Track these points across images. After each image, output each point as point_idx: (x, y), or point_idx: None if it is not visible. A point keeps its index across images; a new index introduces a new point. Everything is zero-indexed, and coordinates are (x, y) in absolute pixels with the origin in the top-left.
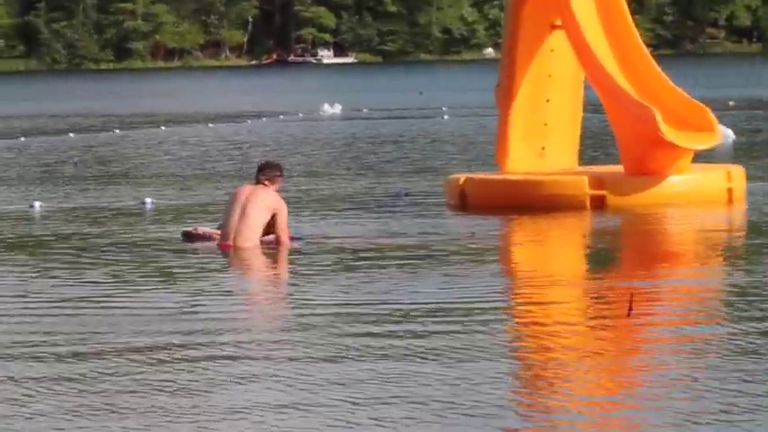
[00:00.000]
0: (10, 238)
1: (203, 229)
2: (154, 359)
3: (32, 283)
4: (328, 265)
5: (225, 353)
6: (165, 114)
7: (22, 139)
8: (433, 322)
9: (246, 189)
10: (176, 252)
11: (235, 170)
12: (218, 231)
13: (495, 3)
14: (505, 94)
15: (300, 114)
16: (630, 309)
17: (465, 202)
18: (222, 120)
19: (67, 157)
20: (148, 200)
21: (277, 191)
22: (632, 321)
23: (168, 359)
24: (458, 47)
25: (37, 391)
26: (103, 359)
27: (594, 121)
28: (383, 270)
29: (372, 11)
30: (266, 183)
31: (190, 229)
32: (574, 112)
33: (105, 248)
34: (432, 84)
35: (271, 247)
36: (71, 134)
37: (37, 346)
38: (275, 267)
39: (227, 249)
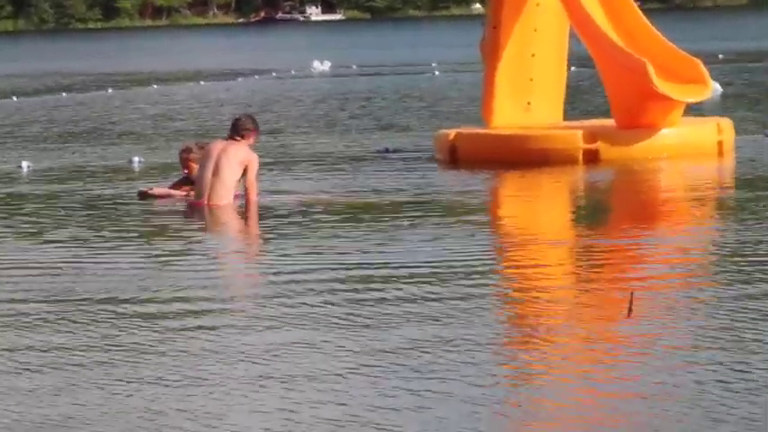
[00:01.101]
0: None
1: (158, 189)
2: (123, 322)
3: (6, 242)
4: (312, 224)
5: (197, 319)
6: (157, 73)
7: (14, 99)
8: (419, 284)
9: (219, 145)
10: (154, 212)
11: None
12: (173, 191)
13: None
14: (491, 50)
15: (293, 71)
16: (630, 309)
17: (455, 157)
18: (214, 78)
19: (60, 117)
20: (136, 158)
21: (250, 146)
22: (623, 281)
23: (136, 323)
24: (446, 2)
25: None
26: (72, 321)
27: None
28: (367, 228)
29: None
30: (238, 138)
31: (144, 188)
32: (559, 66)
33: (87, 207)
34: (420, 40)
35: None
36: (63, 93)
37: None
38: (252, 227)
39: (201, 207)
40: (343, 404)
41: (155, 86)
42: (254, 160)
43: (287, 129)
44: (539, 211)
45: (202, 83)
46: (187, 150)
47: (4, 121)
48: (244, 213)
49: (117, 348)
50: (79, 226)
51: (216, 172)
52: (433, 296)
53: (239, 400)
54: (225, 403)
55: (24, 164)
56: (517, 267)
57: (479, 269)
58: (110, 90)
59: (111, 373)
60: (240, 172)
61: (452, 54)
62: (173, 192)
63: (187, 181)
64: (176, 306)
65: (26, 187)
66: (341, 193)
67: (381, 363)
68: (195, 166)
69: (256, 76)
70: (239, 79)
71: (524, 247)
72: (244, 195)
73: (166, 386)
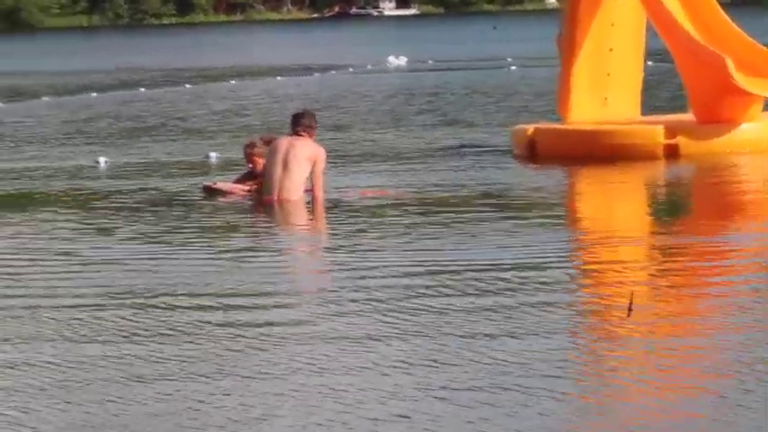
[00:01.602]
0: (74, 193)
1: (222, 183)
2: (192, 318)
3: (83, 238)
4: (388, 220)
5: (268, 315)
6: (234, 68)
7: (94, 94)
8: (492, 282)
9: (285, 141)
10: (225, 208)
11: (331, 122)
12: (238, 186)
13: None
14: (568, 44)
15: (369, 66)
16: (630, 309)
17: (534, 152)
18: (290, 73)
19: (138, 112)
20: (213, 154)
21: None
22: (700, 279)
23: (204, 319)
24: None
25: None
26: (146, 317)
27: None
28: (444, 224)
29: None
30: (303, 134)
31: (209, 183)
32: (636, 61)
33: (162, 203)
34: (495, 35)
35: (334, 200)
36: (141, 89)
37: (79, 306)
38: (319, 223)
39: (272, 203)
40: (414, 399)
41: (232, 82)
42: (321, 155)
43: (361, 124)
44: (619, 207)
45: (279, 78)
46: (251, 145)
47: (79, 116)
48: (311, 209)
49: (187, 344)
50: (155, 222)
51: (285, 168)
52: (507, 294)
53: (306, 397)
54: (295, 401)
55: (102, 159)
56: (595, 265)
57: (556, 267)
58: (186, 86)
59: (184, 369)
60: (309, 168)
61: (528, 49)
62: (236, 187)
63: (251, 176)
64: (245, 302)
65: (104, 183)
66: (415, 188)
67: (453, 361)
68: (259, 161)
69: (333, 72)
70: (315, 75)
71: (604, 245)
72: (311, 191)
73: (236, 381)
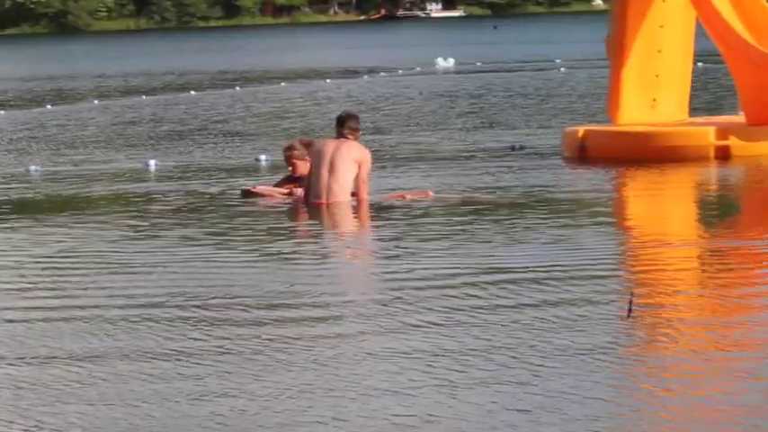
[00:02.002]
0: (124, 196)
1: (261, 187)
2: (238, 321)
3: (130, 241)
4: (434, 222)
5: (313, 319)
6: (283, 71)
7: (144, 97)
8: (540, 287)
9: (331, 144)
10: (272, 211)
11: (372, 125)
12: (277, 189)
13: None
14: (617, 46)
15: (418, 68)
16: (630, 311)
17: (584, 154)
18: (339, 75)
19: (186, 115)
20: (263, 157)
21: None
22: (751, 282)
23: (252, 322)
24: None
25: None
26: (189, 322)
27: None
28: (492, 227)
29: None
30: (349, 136)
31: (249, 187)
32: (685, 62)
33: (212, 206)
34: (541, 36)
35: (377, 202)
36: (192, 92)
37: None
38: (365, 226)
39: (319, 206)
40: (465, 400)
41: (282, 84)
42: (367, 157)
43: (407, 126)
44: (670, 210)
45: (327, 81)
46: (290, 148)
47: (127, 118)
48: (356, 212)
49: (232, 348)
50: (203, 225)
51: (332, 170)
52: (554, 299)
53: (354, 402)
54: (339, 405)
55: (152, 162)
56: (645, 270)
57: (605, 271)
58: (237, 88)
59: (229, 371)
60: (355, 170)
61: (576, 50)
62: (275, 190)
63: (292, 179)
64: (290, 306)
65: (153, 186)
66: (463, 190)
67: (498, 366)
68: (299, 164)
69: (382, 74)
70: (364, 77)
71: (654, 249)
72: (355, 194)
73: (282, 384)
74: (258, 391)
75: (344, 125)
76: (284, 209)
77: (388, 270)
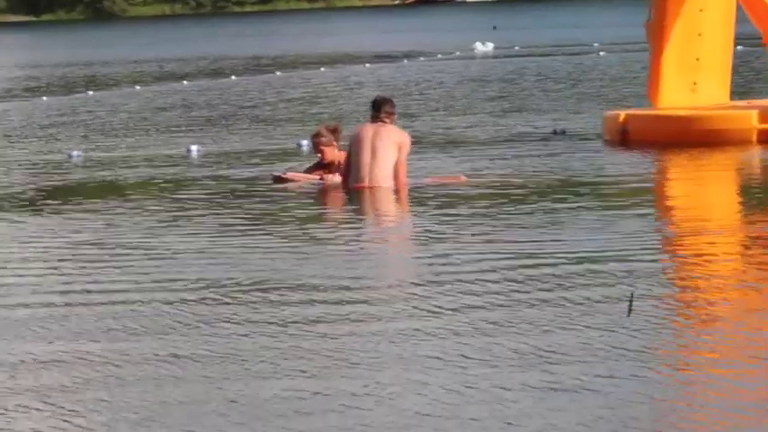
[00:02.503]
0: (165, 181)
1: (292, 173)
2: (277, 307)
3: (170, 227)
4: (471, 207)
5: (352, 305)
6: (321, 55)
7: (185, 82)
8: (579, 273)
9: (370, 128)
10: (309, 196)
11: (414, 110)
12: (308, 175)
13: None
14: (657, 30)
15: (457, 53)
16: (630, 309)
17: (626, 138)
18: (378, 60)
19: (227, 100)
20: (304, 142)
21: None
22: None
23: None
24: None
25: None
26: (230, 307)
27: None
28: (533, 212)
29: None
30: (386, 120)
31: (279, 172)
32: (726, 46)
33: (253, 192)
34: (577, 20)
35: (413, 186)
36: (233, 77)
37: (171, 289)
38: (405, 210)
39: (362, 190)
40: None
41: (321, 69)
42: (406, 141)
43: (453, 109)
44: (712, 194)
45: (367, 65)
46: (318, 135)
47: (166, 104)
48: (396, 196)
49: (269, 334)
50: (243, 211)
51: (373, 155)
52: (595, 285)
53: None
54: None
55: (194, 147)
56: (687, 256)
57: (646, 257)
58: (277, 73)
59: (268, 360)
60: (396, 153)
61: (614, 34)
62: (306, 176)
63: (321, 165)
64: (328, 293)
65: (197, 171)
66: (503, 174)
67: (537, 354)
68: (327, 150)
69: (422, 58)
70: (404, 61)
71: (696, 235)
72: (395, 176)
73: (324, 373)
74: (310, 386)
75: (381, 109)
76: (324, 194)
77: (428, 256)
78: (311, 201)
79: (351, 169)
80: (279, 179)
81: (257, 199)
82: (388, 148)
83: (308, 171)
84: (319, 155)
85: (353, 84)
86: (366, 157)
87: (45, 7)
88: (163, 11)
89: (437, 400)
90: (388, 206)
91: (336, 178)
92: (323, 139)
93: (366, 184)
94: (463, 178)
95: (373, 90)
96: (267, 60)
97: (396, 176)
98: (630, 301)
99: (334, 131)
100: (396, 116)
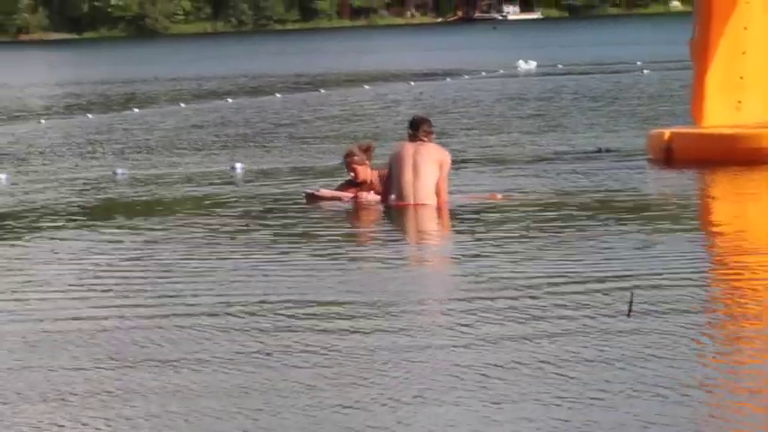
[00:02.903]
0: (207, 199)
1: (325, 191)
2: (322, 325)
3: (212, 243)
4: (515, 225)
5: (395, 322)
6: (365, 73)
7: (229, 100)
8: (620, 294)
9: (410, 147)
10: (350, 214)
11: (451, 128)
12: (341, 193)
13: None
14: (701, 48)
15: (501, 71)
16: (630, 310)
17: (670, 156)
18: (422, 77)
19: (269, 117)
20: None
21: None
22: None
23: (333, 325)
24: (644, 0)
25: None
26: (276, 323)
27: None
28: (574, 232)
29: None
30: (424, 138)
31: (312, 190)
32: None
33: (294, 210)
34: (619, 38)
35: (457, 204)
36: (277, 95)
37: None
38: (446, 228)
39: (405, 208)
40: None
41: (365, 87)
42: (447, 158)
43: (490, 126)
44: (758, 213)
45: (412, 83)
46: (350, 154)
47: (208, 121)
48: (438, 214)
49: (314, 351)
50: (283, 228)
51: (415, 173)
52: (637, 309)
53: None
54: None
55: (238, 165)
56: (731, 277)
57: (691, 279)
58: (321, 90)
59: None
60: (437, 171)
61: (657, 52)
62: (341, 194)
63: (353, 184)
64: (371, 311)
65: (239, 189)
66: (546, 193)
67: (583, 386)
68: (360, 169)
69: (466, 76)
70: (447, 79)
71: (741, 255)
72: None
73: (368, 391)
74: (343, 399)
75: (419, 128)
76: (361, 212)
77: (467, 275)
78: (349, 218)
79: (393, 187)
80: (311, 197)
81: (294, 217)
82: (429, 166)
83: (341, 189)
84: (352, 174)
85: (393, 102)
86: (408, 174)
87: (87, 25)
88: (204, 28)
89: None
90: (427, 224)
91: (371, 196)
92: (355, 158)
93: (410, 201)
94: (498, 196)
95: (416, 108)
96: (309, 78)
97: (437, 194)
98: (630, 302)
99: (367, 150)
100: (434, 135)
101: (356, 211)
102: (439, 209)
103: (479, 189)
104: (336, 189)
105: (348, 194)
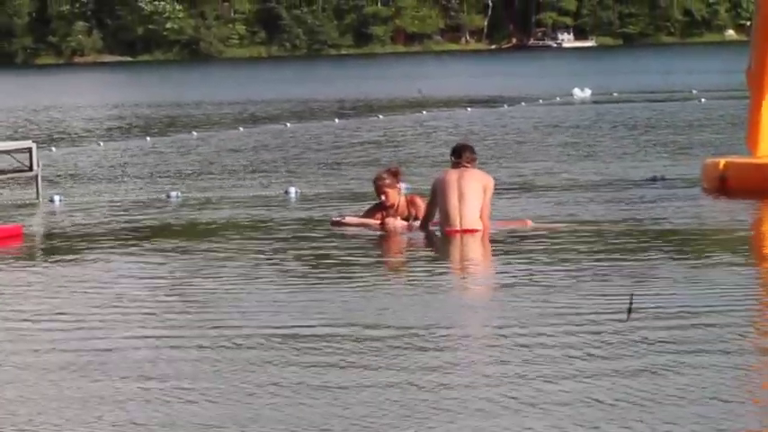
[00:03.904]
0: (257, 222)
1: (350, 218)
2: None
3: (262, 267)
4: (557, 252)
5: (436, 353)
6: (423, 99)
7: (288, 125)
8: (670, 330)
9: (454, 174)
10: (394, 242)
11: (512, 154)
12: (367, 220)
13: None
14: (757, 78)
15: (558, 98)
16: (630, 311)
17: (724, 186)
18: (479, 104)
19: (330, 142)
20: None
21: None
22: None
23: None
24: (699, 29)
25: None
26: (316, 346)
27: None
28: (625, 262)
29: None
30: (468, 165)
31: (337, 218)
32: None
33: (343, 235)
34: (674, 66)
35: (507, 230)
36: (336, 120)
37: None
38: (488, 253)
39: (454, 235)
40: None
41: (423, 113)
42: (491, 184)
43: (546, 154)
44: None
45: (469, 110)
46: (380, 178)
47: (263, 144)
48: (482, 241)
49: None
50: (329, 254)
51: (461, 199)
52: (682, 342)
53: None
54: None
55: (292, 189)
56: None
57: (743, 316)
58: (380, 116)
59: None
60: (482, 195)
61: (711, 81)
62: (367, 220)
63: (382, 207)
64: (414, 340)
65: (291, 212)
66: (597, 221)
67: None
68: (390, 192)
69: (523, 103)
70: (504, 106)
71: None
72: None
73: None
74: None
75: (461, 156)
76: (390, 238)
77: (511, 304)
78: (393, 245)
79: (439, 214)
80: (336, 223)
81: (338, 243)
82: (475, 191)
83: (369, 213)
84: (383, 196)
85: (452, 127)
86: (454, 200)
87: (142, 48)
88: (259, 53)
89: None
90: (473, 251)
91: (397, 222)
92: (386, 181)
93: (456, 227)
94: (530, 223)
95: (475, 134)
96: (366, 103)
97: (481, 219)
98: (630, 303)
99: (396, 174)
100: (476, 161)
101: (386, 236)
102: (483, 235)
103: (546, 217)
104: (364, 213)
105: (374, 221)
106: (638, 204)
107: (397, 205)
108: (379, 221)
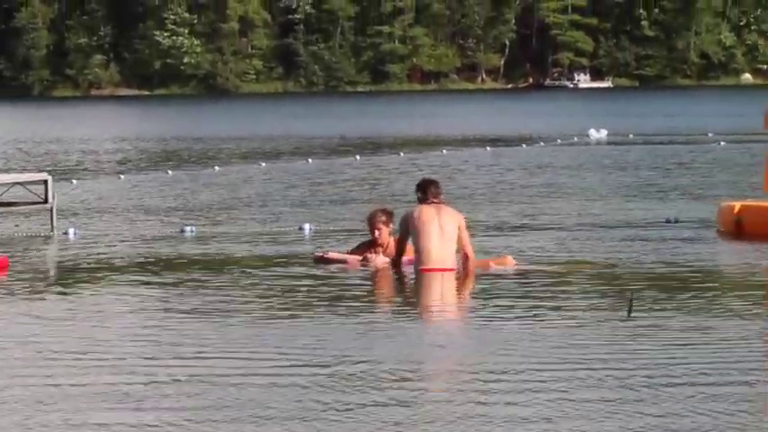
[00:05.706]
0: (274, 259)
1: (333, 254)
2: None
3: (276, 298)
4: (557, 294)
5: (419, 389)
6: (441, 137)
7: (310, 161)
8: (676, 384)
9: (430, 210)
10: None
11: (535, 193)
12: (349, 257)
13: (754, 28)
14: None
15: (575, 138)
16: (630, 310)
17: (740, 229)
18: (498, 143)
19: (349, 179)
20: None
21: None
22: None
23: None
24: (715, 72)
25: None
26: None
27: None
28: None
29: (629, 35)
30: (435, 200)
31: (320, 253)
32: None
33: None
34: (690, 109)
35: (490, 270)
36: (357, 156)
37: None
38: (493, 295)
39: (432, 273)
40: None
41: (444, 151)
42: (463, 221)
43: (568, 192)
44: None
45: (488, 148)
46: (374, 216)
47: (282, 179)
48: (464, 278)
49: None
50: (336, 290)
51: (442, 236)
52: (696, 400)
53: None
54: None
55: (306, 225)
56: None
57: (757, 364)
58: (401, 154)
59: None
60: (457, 233)
61: (727, 124)
62: (347, 257)
63: (370, 244)
64: (401, 376)
65: (302, 247)
66: (611, 264)
67: None
68: (384, 230)
69: (541, 143)
70: (523, 146)
71: None
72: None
73: None
74: None
75: (430, 191)
76: (377, 275)
77: (508, 346)
78: (364, 282)
79: (415, 252)
80: (320, 259)
81: (350, 279)
82: (453, 229)
83: (356, 250)
84: (377, 232)
85: (473, 166)
86: (435, 239)
87: (158, 82)
88: (275, 88)
89: None
90: (451, 290)
91: (379, 259)
92: (383, 218)
93: (437, 266)
94: (510, 261)
95: (496, 173)
96: (386, 141)
97: (466, 258)
98: (630, 303)
99: (390, 215)
100: (443, 196)
101: (373, 274)
102: (466, 272)
103: (572, 255)
104: (353, 250)
105: (355, 257)
106: (652, 246)
107: (386, 245)
108: (361, 258)
